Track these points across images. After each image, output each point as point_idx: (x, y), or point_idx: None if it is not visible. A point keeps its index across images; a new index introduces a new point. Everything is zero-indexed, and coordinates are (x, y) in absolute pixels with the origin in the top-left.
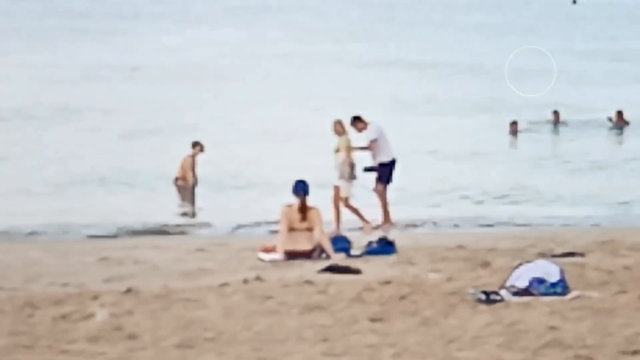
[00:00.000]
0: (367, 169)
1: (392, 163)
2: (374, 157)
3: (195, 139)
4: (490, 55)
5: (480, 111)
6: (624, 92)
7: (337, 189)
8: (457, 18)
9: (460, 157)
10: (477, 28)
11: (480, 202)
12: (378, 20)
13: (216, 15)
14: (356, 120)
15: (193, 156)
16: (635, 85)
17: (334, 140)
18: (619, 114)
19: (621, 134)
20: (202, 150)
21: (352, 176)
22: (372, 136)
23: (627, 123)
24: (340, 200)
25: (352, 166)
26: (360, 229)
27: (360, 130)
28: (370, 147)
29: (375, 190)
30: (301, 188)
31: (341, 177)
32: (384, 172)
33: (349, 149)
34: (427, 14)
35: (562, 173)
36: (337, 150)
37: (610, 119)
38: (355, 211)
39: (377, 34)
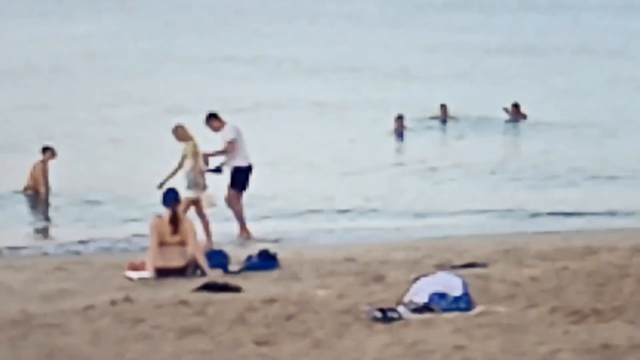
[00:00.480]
0: (212, 170)
1: (248, 168)
2: (229, 160)
3: (46, 144)
4: (368, 50)
5: (357, 113)
6: (519, 91)
7: (190, 200)
8: (330, 7)
9: (331, 164)
10: (351, 18)
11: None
12: (243, 11)
13: (66, 6)
14: (212, 118)
15: (44, 162)
16: (531, 82)
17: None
18: (515, 107)
19: (517, 129)
20: (53, 155)
21: (204, 185)
22: (229, 136)
23: (524, 117)
24: (204, 209)
25: (202, 173)
26: None
27: (216, 129)
28: (227, 148)
29: (227, 198)
30: (172, 198)
31: (190, 186)
32: (239, 177)
33: (196, 154)
34: (297, 2)
35: (449, 178)
36: (184, 157)
37: (506, 110)
38: (205, 223)
39: (241, 26)
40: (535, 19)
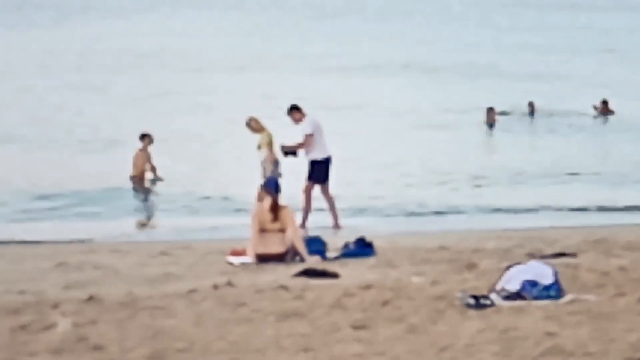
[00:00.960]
0: (288, 153)
1: (326, 161)
2: (307, 153)
3: (143, 132)
4: (458, 48)
5: (450, 106)
6: (607, 89)
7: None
8: (420, 5)
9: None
10: (439, 15)
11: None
12: (337, 11)
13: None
14: (293, 110)
15: (144, 149)
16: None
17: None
18: (604, 103)
19: (605, 125)
20: (151, 142)
21: (276, 173)
22: (307, 130)
23: (612, 112)
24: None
25: (275, 163)
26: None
27: (297, 121)
28: (305, 142)
29: (303, 189)
30: (272, 186)
31: (265, 174)
32: (317, 170)
33: (270, 144)
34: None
35: (534, 175)
36: (259, 147)
37: (595, 107)
38: None
39: (337, 25)
40: (624, 19)
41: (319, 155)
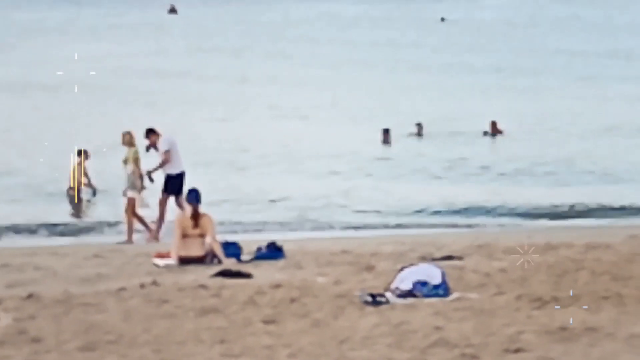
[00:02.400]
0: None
1: (180, 175)
2: (164, 169)
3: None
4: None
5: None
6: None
7: (130, 199)
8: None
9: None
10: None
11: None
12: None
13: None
14: (150, 132)
15: (81, 163)
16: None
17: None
18: (493, 123)
19: (494, 142)
20: (87, 157)
21: (141, 187)
22: (165, 147)
23: (500, 132)
24: (132, 210)
25: (141, 177)
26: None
27: (152, 143)
28: (164, 158)
29: (159, 201)
30: (193, 196)
31: (131, 188)
32: (171, 184)
33: (137, 160)
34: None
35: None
36: (126, 162)
37: (485, 133)
38: (141, 220)
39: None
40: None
41: (173, 170)
